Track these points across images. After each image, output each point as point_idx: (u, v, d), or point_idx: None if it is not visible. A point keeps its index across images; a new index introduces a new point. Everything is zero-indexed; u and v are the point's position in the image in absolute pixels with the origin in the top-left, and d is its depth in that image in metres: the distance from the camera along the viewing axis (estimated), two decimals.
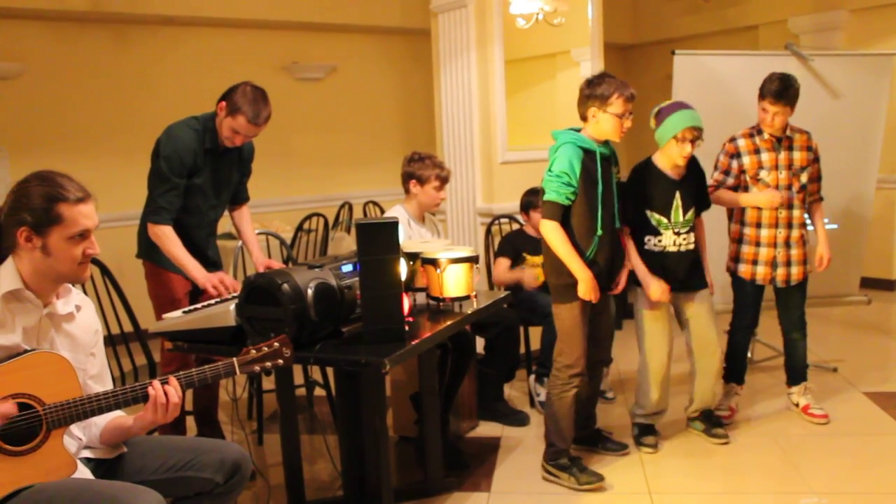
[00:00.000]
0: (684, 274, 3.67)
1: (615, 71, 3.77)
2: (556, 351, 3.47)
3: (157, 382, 2.19)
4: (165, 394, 2.19)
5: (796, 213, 3.92)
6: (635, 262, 3.63)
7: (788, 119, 3.86)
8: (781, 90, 3.75)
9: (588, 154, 3.28)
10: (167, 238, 3.30)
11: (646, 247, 3.66)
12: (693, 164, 3.67)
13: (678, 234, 3.63)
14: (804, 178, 3.92)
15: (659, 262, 3.63)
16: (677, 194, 3.61)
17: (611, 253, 3.40)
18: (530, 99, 5.97)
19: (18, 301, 2.16)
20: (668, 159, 3.59)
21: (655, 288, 3.57)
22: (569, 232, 3.31)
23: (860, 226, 5.04)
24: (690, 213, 3.64)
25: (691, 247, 3.67)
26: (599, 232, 3.31)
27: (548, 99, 6.02)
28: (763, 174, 3.88)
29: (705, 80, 4.68)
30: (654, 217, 3.61)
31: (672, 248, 3.64)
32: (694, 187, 3.67)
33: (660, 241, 3.63)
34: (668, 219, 3.61)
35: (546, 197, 3.30)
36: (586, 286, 3.29)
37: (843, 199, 4.94)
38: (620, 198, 3.46)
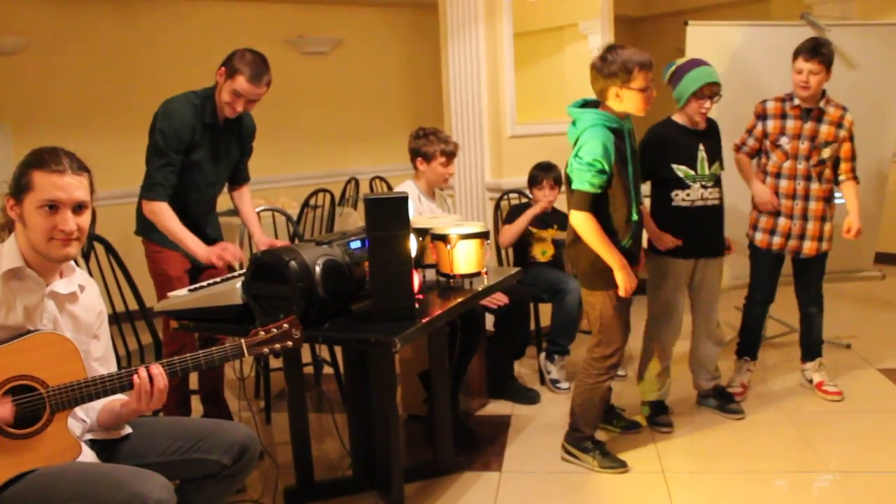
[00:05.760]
0: (709, 232, 3.65)
1: (624, 44, 3.68)
2: (592, 341, 3.33)
3: (142, 370, 2.11)
4: (151, 379, 2.11)
5: (814, 185, 3.84)
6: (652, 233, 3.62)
7: (825, 88, 3.79)
8: (814, 46, 3.70)
9: (617, 134, 3.10)
10: (163, 215, 3.23)
11: (673, 203, 3.60)
12: (713, 124, 3.66)
13: (705, 187, 3.58)
14: (826, 153, 3.81)
15: (687, 218, 3.58)
16: (701, 146, 3.57)
17: (639, 235, 3.30)
18: (537, 73, 5.87)
19: (19, 280, 2.11)
20: (688, 117, 3.58)
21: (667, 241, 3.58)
22: (604, 220, 3.12)
23: (875, 200, 4.94)
24: (715, 167, 3.60)
25: (717, 202, 3.63)
26: (635, 217, 3.16)
27: (555, 73, 5.92)
28: (784, 141, 3.81)
29: (719, 52, 4.56)
30: (681, 170, 3.56)
31: (700, 203, 3.59)
32: (717, 143, 3.64)
33: (688, 194, 3.58)
34: (695, 171, 3.56)
35: (575, 186, 3.09)
36: (625, 277, 3.13)
37: (858, 171, 4.83)
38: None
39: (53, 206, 2.08)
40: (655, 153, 3.59)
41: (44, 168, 2.08)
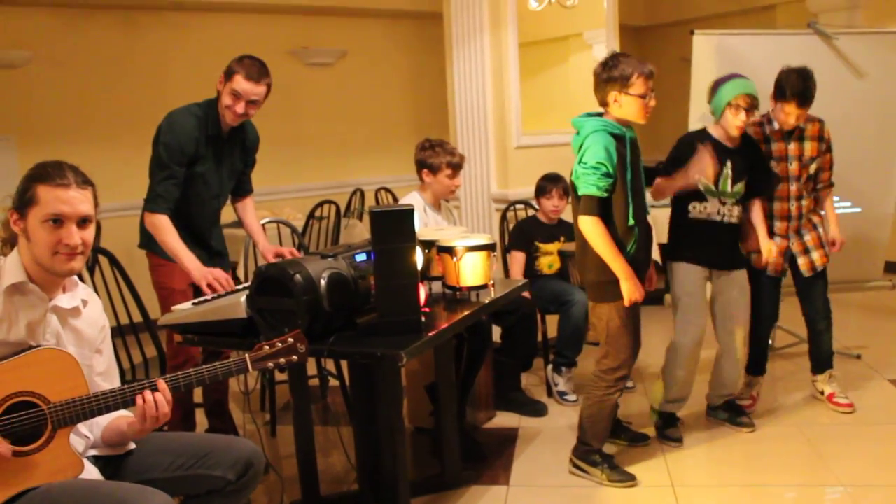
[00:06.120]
0: (725, 249, 3.61)
1: (629, 53, 3.66)
2: (599, 353, 3.31)
3: (146, 392, 2.09)
4: (154, 402, 2.08)
5: (805, 202, 3.84)
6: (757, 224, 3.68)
7: None
8: (806, 91, 3.60)
9: (619, 140, 3.11)
10: (162, 228, 3.21)
11: (690, 215, 3.58)
12: (749, 140, 3.64)
13: (724, 203, 3.55)
14: (813, 168, 3.82)
15: (703, 230, 3.55)
16: (728, 163, 3.53)
17: (645, 245, 3.28)
18: (542, 83, 5.85)
19: (22, 294, 2.09)
20: (724, 130, 3.55)
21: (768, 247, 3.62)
22: (611, 227, 3.12)
23: (884, 209, 4.91)
24: (739, 187, 3.56)
25: (735, 220, 3.59)
26: (631, 222, 3.14)
27: (560, 83, 5.91)
28: (772, 165, 3.77)
29: (726, 61, 4.55)
30: (702, 182, 3.52)
31: (716, 217, 3.56)
32: (748, 161, 3.60)
33: (705, 207, 3.55)
34: (716, 186, 3.53)
35: (582, 191, 3.09)
36: (631, 287, 3.11)
37: (867, 181, 4.81)
38: (665, 173, 3.42)
39: (58, 221, 2.06)
40: (682, 160, 3.53)
41: (48, 182, 2.06)
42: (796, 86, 3.60)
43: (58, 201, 2.05)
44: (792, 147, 3.76)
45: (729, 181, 3.53)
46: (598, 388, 3.31)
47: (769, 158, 3.77)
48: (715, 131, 3.60)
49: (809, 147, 3.79)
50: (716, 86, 3.57)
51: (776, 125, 3.77)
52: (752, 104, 3.46)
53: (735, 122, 3.48)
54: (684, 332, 3.63)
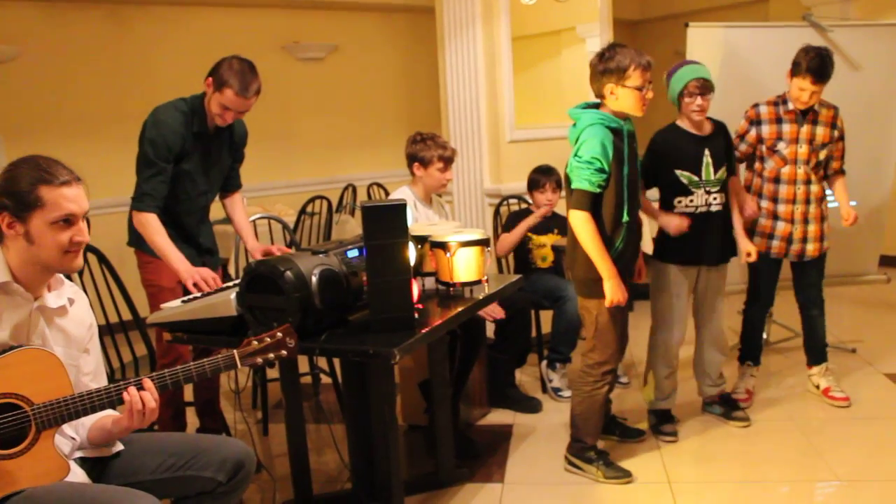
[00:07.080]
0: (716, 239, 3.57)
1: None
2: (586, 347, 3.29)
3: (132, 388, 2.05)
4: (141, 399, 2.04)
5: (814, 188, 3.80)
6: (657, 217, 3.55)
7: None
8: (823, 68, 3.57)
9: (616, 134, 3.07)
10: (150, 227, 3.15)
11: (676, 210, 3.54)
12: (720, 127, 3.61)
13: (709, 192, 3.51)
14: (823, 154, 3.78)
15: (691, 225, 3.50)
16: (706, 151, 3.50)
17: (635, 240, 3.25)
18: (534, 77, 5.83)
19: (6, 294, 2.04)
20: (688, 119, 3.52)
21: (677, 223, 3.45)
22: (599, 222, 3.09)
23: (880, 202, 4.90)
24: (721, 172, 3.53)
25: (721, 208, 3.56)
26: (626, 218, 3.11)
27: (553, 77, 5.88)
28: (781, 146, 3.75)
29: (720, 54, 4.52)
30: (685, 176, 3.49)
31: (704, 209, 3.52)
32: (723, 147, 3.58)
33: (692, 201, 3.51)
34: (699, 177, 3.50)
35: (574, 185, 3.06)
36: (613, 287, 3.08)
37: (863, 174, 4.78)
38: (642, 175, 3.35)
39: (68, 220, 2.04)
40: (659, 159, 3.53)
41: (51, 182, 2.01)
42: (813, 62, 3.57)
43: (66, 201, 2.03)
44: (804, 130, 3.73)
45: (711, 169, 3.50)
46: (586, 383, 3.29)
47: (779, 140, 3.75)
48: (683, 123, 3.57)
49: (822, 132, 3.75)
50: (668, 77, 3.55)
51: (790, 105, 3.74)
52: (704, 87, 3.43)
53: (692, 107, 3.45)
54: (670, 332, 3.63)
